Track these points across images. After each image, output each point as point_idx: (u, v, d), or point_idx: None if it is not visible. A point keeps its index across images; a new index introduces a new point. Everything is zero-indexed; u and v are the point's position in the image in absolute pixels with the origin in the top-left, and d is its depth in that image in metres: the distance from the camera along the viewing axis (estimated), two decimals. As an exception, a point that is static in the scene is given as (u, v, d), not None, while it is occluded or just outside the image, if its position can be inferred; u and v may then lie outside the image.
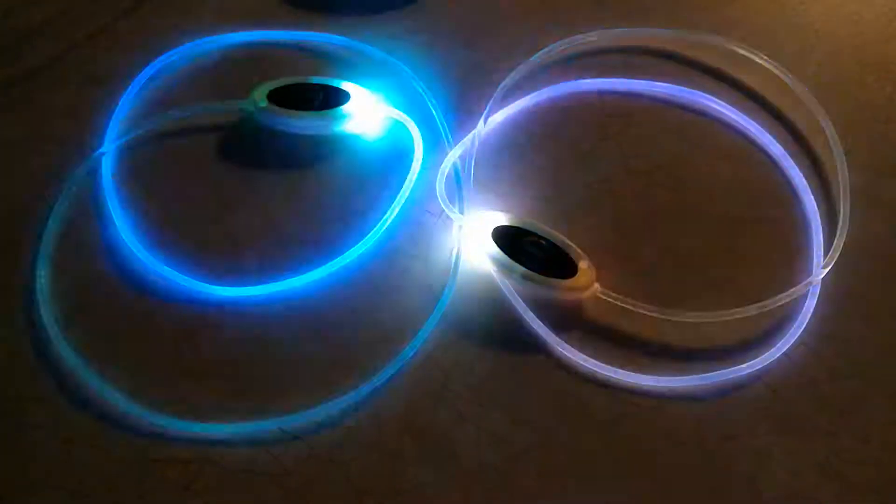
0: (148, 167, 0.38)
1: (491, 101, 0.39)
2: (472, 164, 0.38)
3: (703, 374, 0.33)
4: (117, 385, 0.32)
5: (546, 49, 0.41)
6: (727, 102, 0.40)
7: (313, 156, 0.39)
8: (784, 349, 0.33)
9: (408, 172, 0.37)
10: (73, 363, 0.33)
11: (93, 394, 0.32)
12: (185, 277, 0.35)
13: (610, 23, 0.42)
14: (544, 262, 0.34)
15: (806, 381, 0.33)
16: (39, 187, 0.37)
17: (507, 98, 0.40)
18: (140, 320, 0.34)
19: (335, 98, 0.38)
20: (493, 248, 0.34)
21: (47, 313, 0.34)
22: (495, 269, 0.34)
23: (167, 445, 0.31)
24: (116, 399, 0.32)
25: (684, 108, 0.40)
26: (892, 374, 0.33)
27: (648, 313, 0.33)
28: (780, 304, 0.34)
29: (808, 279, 0.34)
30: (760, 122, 0.39)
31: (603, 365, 0.33)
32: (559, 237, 0.34)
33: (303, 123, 0.38)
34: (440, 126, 0.39)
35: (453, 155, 0.38)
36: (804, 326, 0.34)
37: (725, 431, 0.32)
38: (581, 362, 0.33)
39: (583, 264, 0.34)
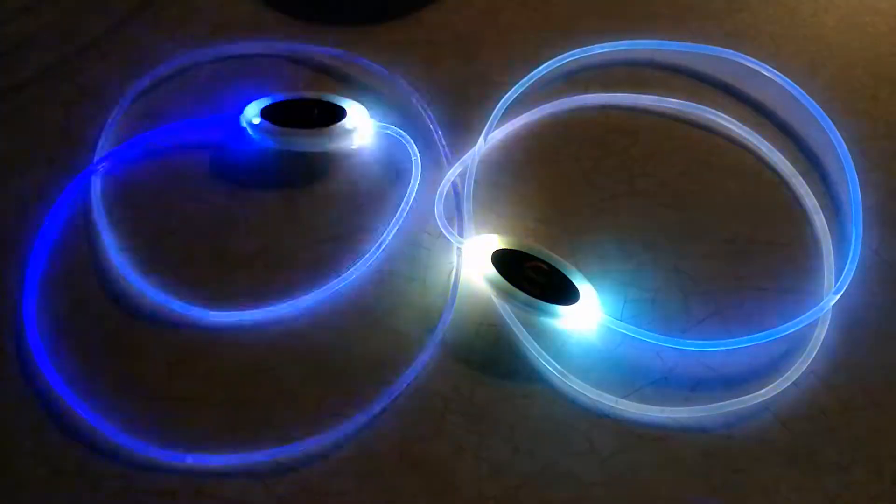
0: (139, 185, 0.37)
1: (491, 117, 0.38)
2: (472, 183, 0.36)
3: (709, 405, 0.32)
4: (107, 413, 0.32)
5: (548, 63, 0.39)
6: (736, 118, 0.38)
7: (308, 174, 0.38)
8: (793, 378, 0.32)
9: (405, 191, 0.36)
10: (62, 390, 0.32)
11: (81, 422, 0.32)
12: (177, 301, 0.34)
13: (614, 35, 0.40)
14: (546, 287, 0.33)
15: (816, 412, 0.32)
16: (27, 206, 0.36)
17: (508, 114, 0.38)
18: (130, 345, 0.33)
19: (331, 114, 0.37)
20: (493, 273, 0.33)
21: (34, 338, 0.33)
22: (495, 294, 0.33)
23: (157, 476, 0.31)
24: (106, 428, 0.31)
25: (691, 123, 0.39)
26: (905, 405, 0.32)
27: (652, 341, 0.32)
28: (789, 331, 0.33)
29: (819, 305, 0.33)
30: (770, 138, 0.38)
31: (605, 394, 0.32)
32: (561, 261, 0.33)
33: (297, 140, 0.37)
34: (439, 143, 0.38)
35: (452, 173, 0.37)
36: (814, 354, 0.33)
37: (732, 464, 0.31)
38: (583, 391, 0.32)
39: (585, 290, 0.33)
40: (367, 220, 0.36)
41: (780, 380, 0.32)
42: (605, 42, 0.40)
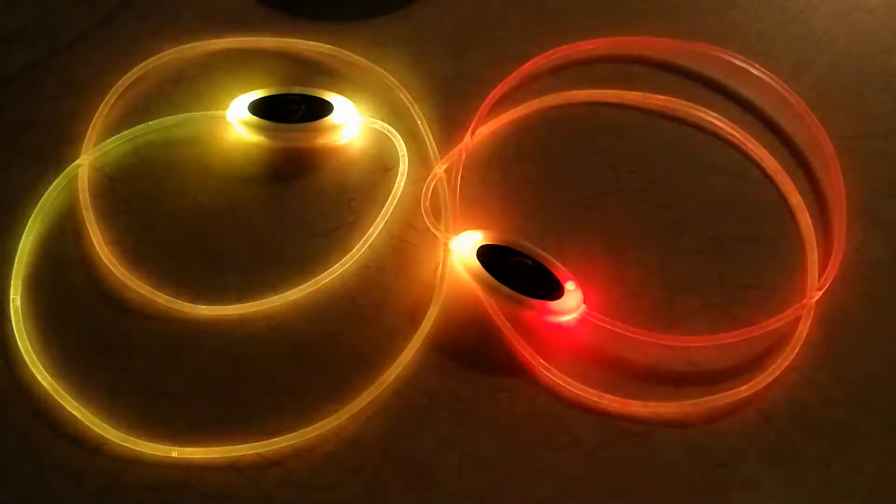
0: (126, 179, 0.37)
1: (479, 113, 0.38)
2: (459, 178, 0.37)
3: (692, 400, 0.32)
4: (92, 407, 0.32)
5: (536, 59, 0.39)
6: (723, 115, 0.38)
7: (295, 169, 0.38)
8: (776, 374, 0.32)
9: (392, 187, 0.36)
10: (47, 384, 0.32)
11: (67, 416, 0.32)
12: (164, 295, 0.34)
13: (603, 32, 0.40)
14: (531, 282, 0.33)
15: (798, 408, 0.32)
16: (14, 200, 0.36)
17: (495, 109, 0.39)
18: (116, 339, 0.33)
19: (318, 109, 0.37)
20: (479, 268, 0.33)
21: (20, 332, 0.33)
22: (480, 289, 0.33)
23: (142, 470, 0.31)
24: (91, 421, 0.31)
25: (678, 120, 0.39)
26: (887, 401, 0.32)
27: (637, 336, 0.33)
28: (772, 327, 0.33)
29: (802, 301, 0.33)
30: (756, 135, 0.38)
31: (589, 389, 0.32)
32: (546, 256, 0.33)
33: (284, 136, 0.37)
34: (426, 138, 0.38)
35: (439, 169, 0.37)
36: (797, 351, 0.33)
37: (714, 459, 0.31)
38: (567, 386, 0.32)
39: (570, 285, 0.33)
40: (353, 216, 0.36)
41: (763, 375, 0.32)
42: (593, 38, 0.40)
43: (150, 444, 0.31)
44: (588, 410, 0.32)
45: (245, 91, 0.38)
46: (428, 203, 0.35)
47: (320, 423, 0.31)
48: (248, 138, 0.38)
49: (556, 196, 0.37)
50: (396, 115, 0.39)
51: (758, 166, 0.38)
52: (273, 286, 0.34)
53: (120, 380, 0.33)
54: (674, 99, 0.39)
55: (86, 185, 0.37)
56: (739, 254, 0.35)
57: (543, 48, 0.40)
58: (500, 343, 0.33)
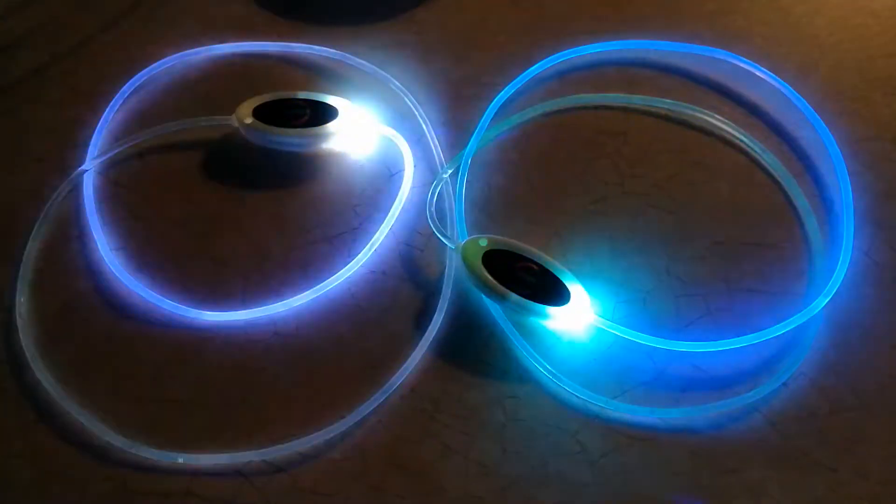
0: (130, 185, 0.37)
1: (483, 118, 0.38)
2: (464, 183, 0.36)
3: (699, 406, 0.32)
4: (97, 413, 0.32)
5: (540, 63, 0.39)
6: (728, 119, 0.38)
7: (300, 174, 0.38)
8: (783, 379, 0.32)
9: (397, 192, 0.36)
10: (52, 390, 0.32)
11: (72, 422, 0.32)
12: (168, 301, 0.34)
13: (607, 35, 0.40)
14: (537, 288, 0.33)
15: (805, 414, 0.32)
16: (18, 206, 0.36)
17: (500, 114, 0.38)
18: (121, 345, 0.33)
19: (323, 114, 0.37)
20: (484, 273, 0.33)
21: (26, 338, 0.33)
22: (486, 294, 0.33)
23: (147, 477, 0.31)
24: (96, 428, 0.31)
25: (683, 124, 0.39)
26: (894, 406, 0.32)
27: (643, 342, 0.32)
28: (779, 332, 0.33)
29: (809, 307, 0.33)
30: (762, 139, 0.38)
31: (596, 395, 0.32)
32: (552, 262, 0.33)
33: (289, 141, 0.37)
34: (431, 143, 0.38)
35: (445, 174, 0.37)
36: (804, 356, 0.33)
37: (721, 465, 0.31)
38: (573, 392, 0.32)
39: (576, 291, 0.33)
40: (358, 221, 0.36)
41: (769, 381, 0.32)
42: (597, 42, 0.40)
43: (156, 450, 0.31)
44: (594, 417, 0.32)
45: (249, 96, 0.38)
46: (433, 208, 0.35)
47: (325, 430, 0.31)
48: (252, 143, 0.38)
49: (561, 201, 0.37)
50: (401, 120, 0.39)
51: (764, 170, 0.37)
52: (278, 292, 0.34)
53: (125, 385, 0.33)
54: (678, 103, 0.39)
55: (91, 191, 0.37)
56: (746, 258, 0.35)
57: (548, 52, 0.40)
58: (505, 349, 0.33)
